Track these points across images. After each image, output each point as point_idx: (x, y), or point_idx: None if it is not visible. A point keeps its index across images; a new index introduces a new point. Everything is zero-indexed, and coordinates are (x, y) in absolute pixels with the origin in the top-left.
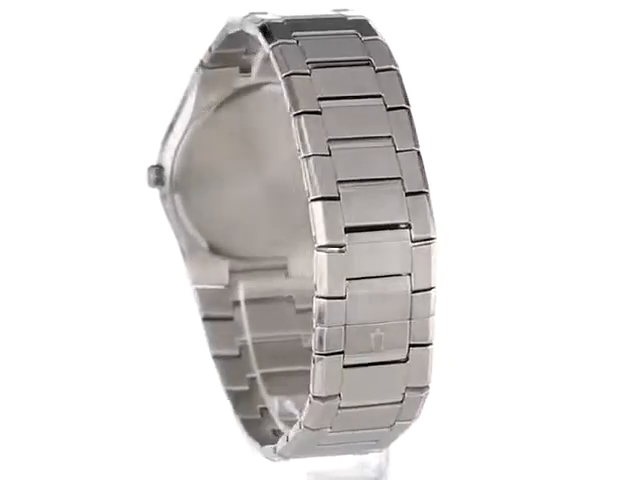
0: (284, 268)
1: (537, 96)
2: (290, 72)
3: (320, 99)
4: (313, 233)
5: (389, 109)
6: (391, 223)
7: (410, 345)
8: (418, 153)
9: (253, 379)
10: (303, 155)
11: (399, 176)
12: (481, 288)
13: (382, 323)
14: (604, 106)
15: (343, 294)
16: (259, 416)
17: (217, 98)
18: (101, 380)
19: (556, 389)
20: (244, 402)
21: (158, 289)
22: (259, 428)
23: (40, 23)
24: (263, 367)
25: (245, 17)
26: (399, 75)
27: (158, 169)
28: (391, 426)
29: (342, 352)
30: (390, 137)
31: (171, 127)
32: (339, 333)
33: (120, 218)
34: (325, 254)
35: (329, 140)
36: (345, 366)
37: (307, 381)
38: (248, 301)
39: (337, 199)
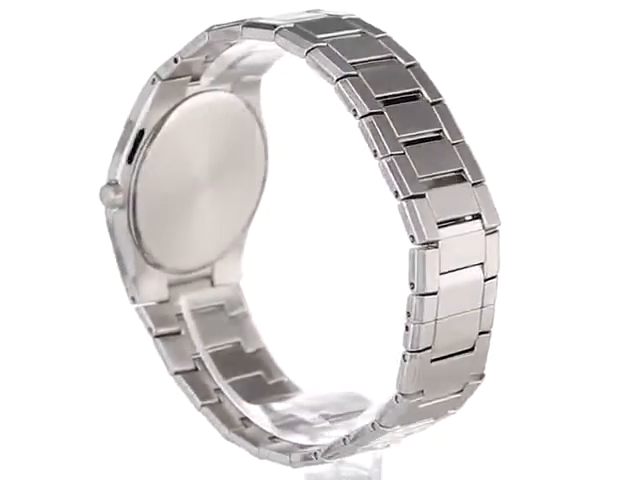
0: (209, 277)
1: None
2: (343, 74)
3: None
4: (409, 232)
5: (432, 103)
6: (468, 214)
7: (478, 333)
8: (467, 144)
9: (218, 390)
10: (382, 156)
11: (461, 168)
12: None
13: (462, 313)
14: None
15: (437, 289)
16: (243, 427)
17: (168, 109)
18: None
19: (551, 391)
20: (222, 415)
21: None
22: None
23: None
24: (226, 377)
25: (243, 24)
26: (424, 69)
27: (116, 186)
28: (437, 418)
29: (430, 347)
30: (441, 130)
31: (124, 142)
32: (431, 329)
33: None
34: (424, 251)
35: (397, 139)
36: (431, 360)
37: (271, 385)
38: (189, 313)
39: (424, 196)
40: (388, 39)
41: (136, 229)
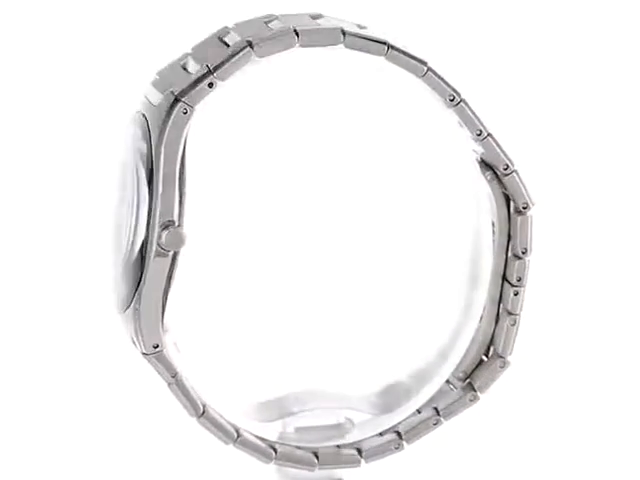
0: None
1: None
2: (428, 65)
3: None
4: (523, 199)
5: None
6: None
7: None
8: None
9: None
10: (486, 134)
11: None
12: None
13: None
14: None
15: None
16: (273, 452)
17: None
18: None
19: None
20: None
21: None
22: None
23: None
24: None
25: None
26: None
27: (177, 226)
28: None
29: None
30: None
31: (171, 179)
32: None
33: None
34: (531, 216)
35: None
36: None
37: None
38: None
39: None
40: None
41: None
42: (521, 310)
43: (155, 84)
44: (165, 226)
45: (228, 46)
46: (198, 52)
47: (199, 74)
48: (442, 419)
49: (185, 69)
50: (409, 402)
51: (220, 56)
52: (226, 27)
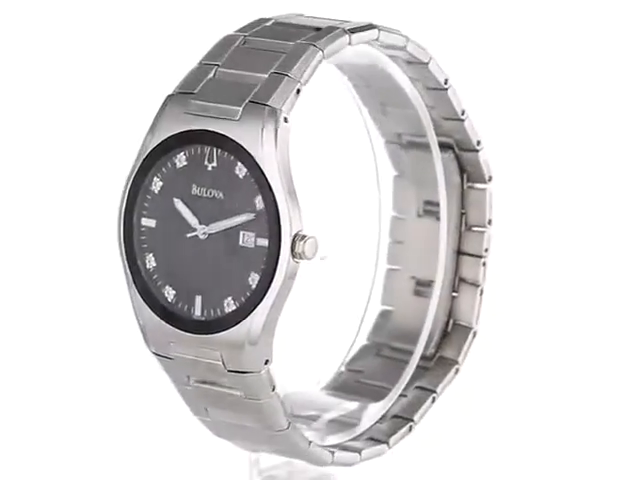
0: None
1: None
2: (430, 55)
3: None
4: (489, 172)
5: None
6: None
7: None
8: None
9: None
10: (467, 114)
11: None
12: None
13: None
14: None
15: None
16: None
17: None
18: None
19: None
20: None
21: None
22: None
23: None
24: None
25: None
26: None
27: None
28: None
29: None
30: None
31: (292, 191)
32: None
33: None
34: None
35: None
36: None
37: None
38: None
39: None
40: None
41: None
42: (485, 282)
43: (206, 97)
44: (299, 237)
45: (280, 51)
46: (249, 59)
47: (281, 81)
48: (436, 395)
49: (249, 77)
50: (393, 388)
51: (290, 61)
52: (231, 35)
